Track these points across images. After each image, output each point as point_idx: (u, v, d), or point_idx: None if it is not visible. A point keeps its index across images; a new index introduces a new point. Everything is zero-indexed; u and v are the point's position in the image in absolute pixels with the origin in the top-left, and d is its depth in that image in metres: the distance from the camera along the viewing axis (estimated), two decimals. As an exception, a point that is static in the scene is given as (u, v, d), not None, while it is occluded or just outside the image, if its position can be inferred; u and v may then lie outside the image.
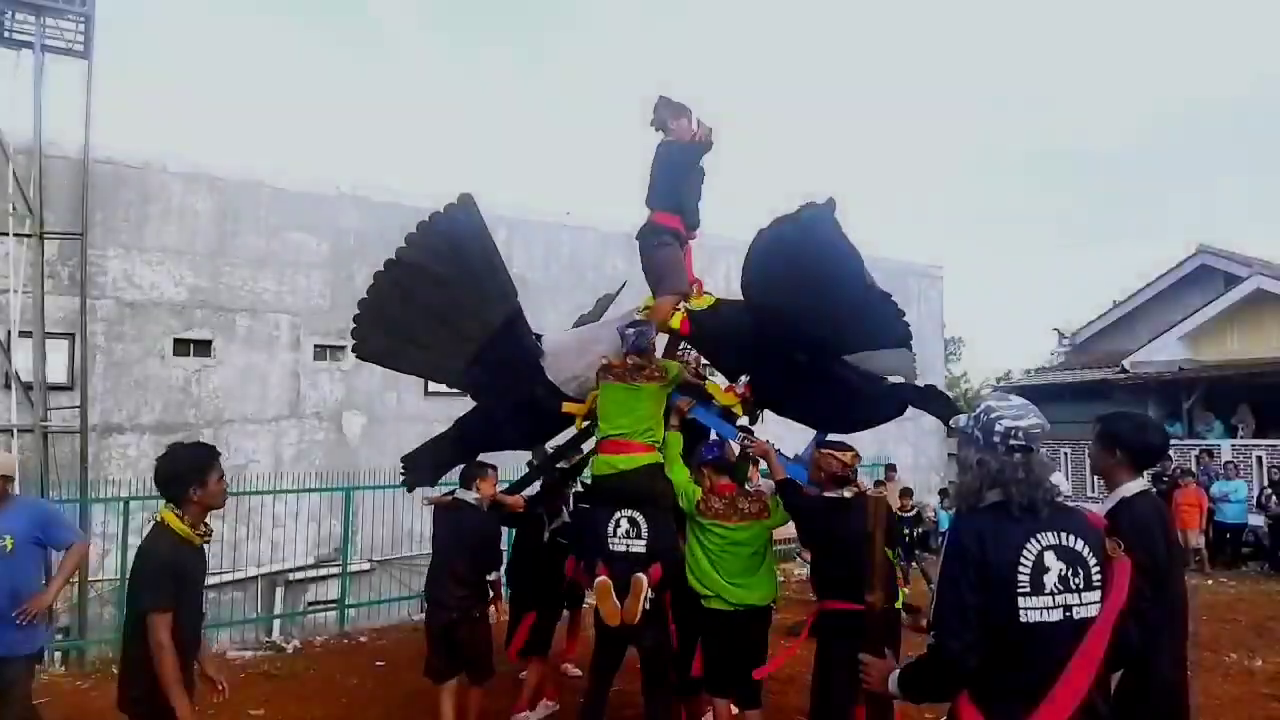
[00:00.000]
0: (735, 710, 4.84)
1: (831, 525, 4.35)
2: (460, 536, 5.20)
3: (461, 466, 5.51)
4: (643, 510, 4.74)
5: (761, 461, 5.19)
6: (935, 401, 5.27)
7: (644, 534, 4.67)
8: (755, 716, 4.74)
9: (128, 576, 3.24)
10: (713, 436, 5.42)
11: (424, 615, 5.44)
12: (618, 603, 4.48)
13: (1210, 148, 79.20)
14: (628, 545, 4.68)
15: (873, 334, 4.74)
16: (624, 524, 4.70)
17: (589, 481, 5.11)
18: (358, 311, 5.11)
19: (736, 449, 5.20)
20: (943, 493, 12.99)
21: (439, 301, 5.11)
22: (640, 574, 4.50)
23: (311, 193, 12.32)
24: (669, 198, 5.50)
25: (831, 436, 4.97)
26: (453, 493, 5.42)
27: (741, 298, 5.19)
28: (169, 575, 3.20)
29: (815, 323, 4.72)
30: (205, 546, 3.52)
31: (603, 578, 4.53)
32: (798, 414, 5.67)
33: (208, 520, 3.42)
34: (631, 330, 5.10)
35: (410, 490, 6.17)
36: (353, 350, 5.27)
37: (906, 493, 12.28)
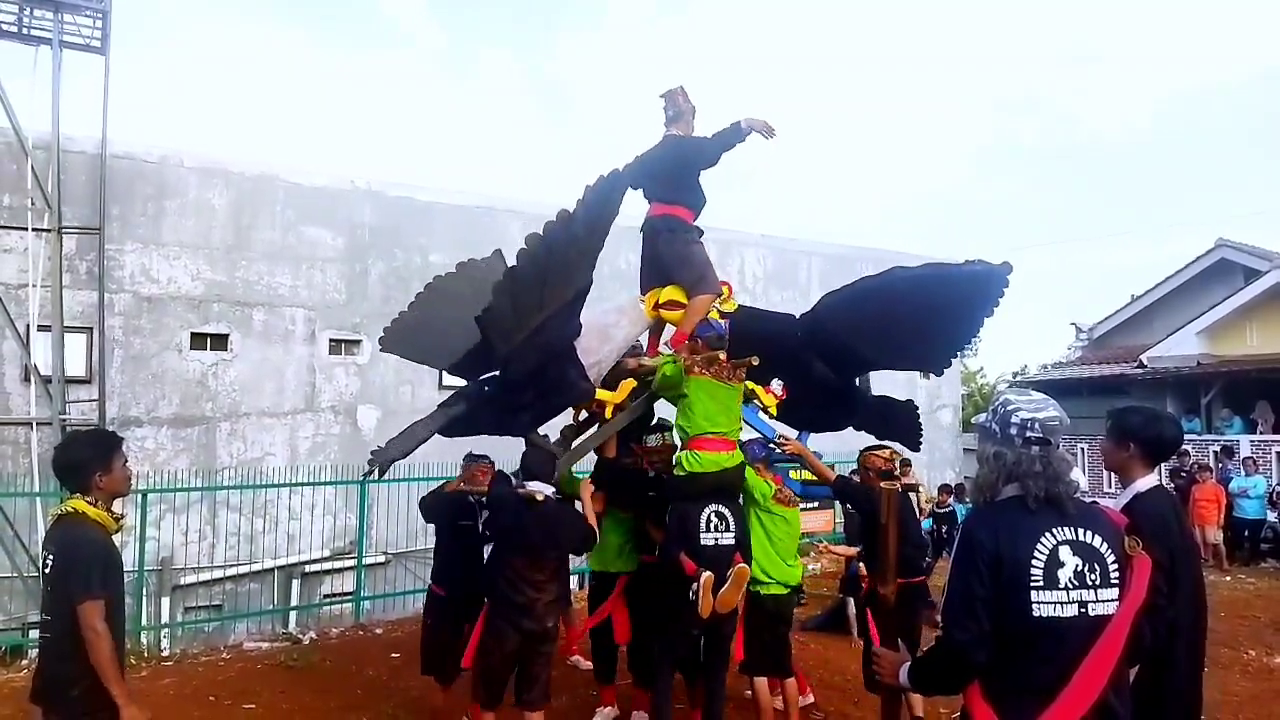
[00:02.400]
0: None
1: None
2: (551, 533, 4.69)
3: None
4: (729, 505, 4.90)
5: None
6: (905, 425, 5.98)
7: (732, 527, 4.85)
8: (793, 684, 5.35)
9: (55, 566, 3.11)
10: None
11: (490, 629, 4.66)
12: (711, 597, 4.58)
13: (1228, 136, 78.39)
14: (716, 538, 4.80)
15: (932, 363, 5.58)
16: (714, 519, 4.83)
17: (680, 475, 4.88)
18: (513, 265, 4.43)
19: None
20: (958, 488, 12.90)
21: (557, 264, 4.58)
22: (744, 565, 4.69)
23: (327, 187, 12.37)
24: (693, 194, 5.44)
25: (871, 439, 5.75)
26: (520, 485, 4.85)
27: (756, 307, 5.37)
28: (102, 562, 3.17)
29: (897, 346, 5.35)
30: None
31: (709, 574, 4.57)
32: (793, 415, 5.84)
33: (113, 508, 3.32)
34: (726, 324, 5.21)
35: (381, 475, 5.28)
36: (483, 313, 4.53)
37: (945, 489, 12.23)
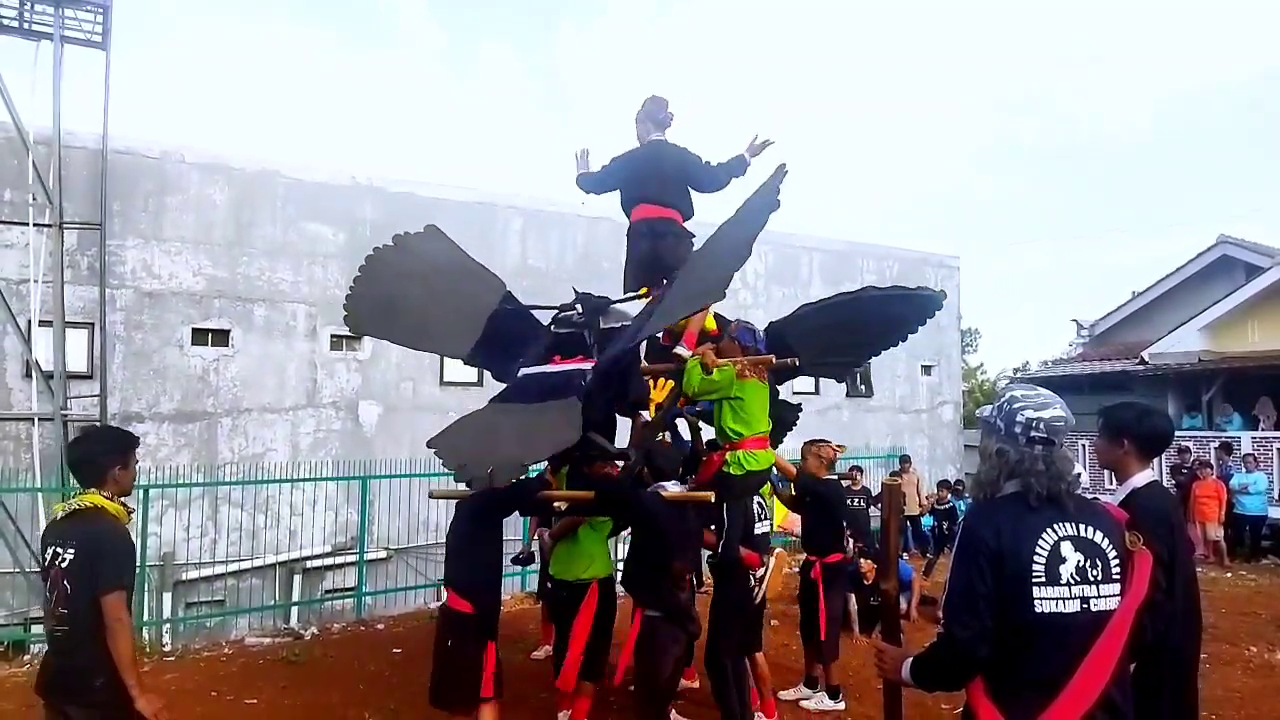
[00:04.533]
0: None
1: (838, 499, 6.21)
2: (692, 537, 4.79)
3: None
4: (759, 496, 5.35)
5: None
6: (784, 425, 6.20)
7: (768, 515, 5.41)
8: (761, 659, 5.58)
9: (77, 559, 3.16)
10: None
11: (662, 638, 4.48)
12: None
13: (1228, 136, 78.29)
14: (763, 527, 5.32)
15: (842, 372, 6.81)
16: (757, 510, 5.31)
17: (739, 474, 4.89)
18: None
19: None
20: (958, 484, 12.90)
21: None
22: (780, 550, 5.28)
23: (328, 183, 12.35)
24: (689, 203, 5.52)
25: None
26: (648, 486, 4.78)
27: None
28: (129, 555, 3.28)
29: (829, 354, 5.95)
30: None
31: (779, 553, 5.17)
32: None
33: (123, 502, 3.41)
34: (761, 333, 5.38)
35: (508, 483, 4.34)
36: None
37: (944, 484, 12.21)
